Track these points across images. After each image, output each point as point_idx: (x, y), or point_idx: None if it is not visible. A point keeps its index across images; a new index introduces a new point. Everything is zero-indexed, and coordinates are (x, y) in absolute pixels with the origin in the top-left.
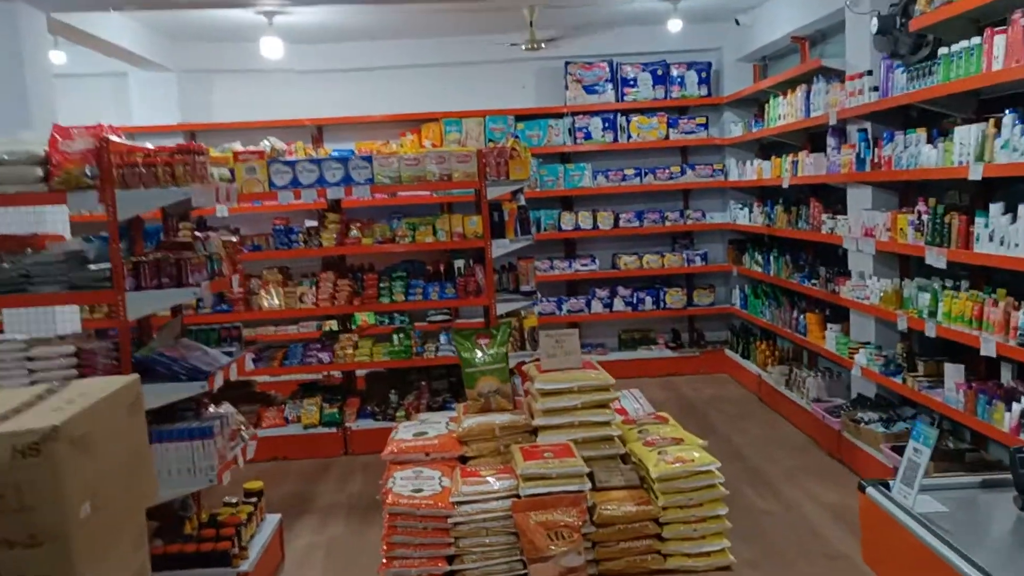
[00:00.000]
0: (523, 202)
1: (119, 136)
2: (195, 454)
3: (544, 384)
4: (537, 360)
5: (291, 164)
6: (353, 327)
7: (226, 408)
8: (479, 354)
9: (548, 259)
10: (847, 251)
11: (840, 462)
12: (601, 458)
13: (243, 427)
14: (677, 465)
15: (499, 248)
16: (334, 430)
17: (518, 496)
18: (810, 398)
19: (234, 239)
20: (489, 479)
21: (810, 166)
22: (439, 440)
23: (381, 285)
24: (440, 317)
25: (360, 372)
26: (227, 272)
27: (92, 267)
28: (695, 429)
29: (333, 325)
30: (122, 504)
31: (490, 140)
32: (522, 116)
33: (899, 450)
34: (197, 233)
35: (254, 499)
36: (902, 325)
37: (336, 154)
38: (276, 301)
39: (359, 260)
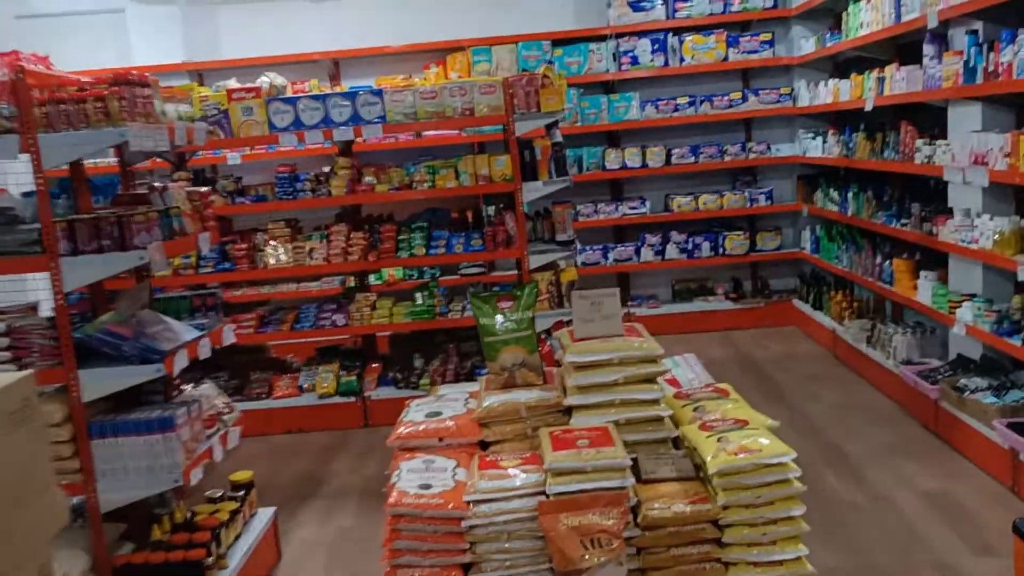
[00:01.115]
0: (559, 138)
1: (45, 67)
2: (155, 449)
3: (578, 356)
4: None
5: (292, 102)
6: (374, 283)
7: (204, 389)
8: (500, 320)
9: (592, 202)
10: (947, 184)
11: (937, 437)
12: (647, 443)
13: (225, 410)
14: (741, 456)
15: (531, 192)
16: (352, 400)
17: (545, 495)
18: (898, 359)
19: (203, 189)
20: (511, 471)
21: (901, 82)
22: (455, 422)
23: (400, 237)
24: (473, 270)
25: (382, 333)
26: (192, 229)
27: (23, 228)
28: (760, 395)
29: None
30: (10, 538)
31: (523, 70)
32: (559, 40)
33: (1017, 428)
34: (155, 184)
35: (241, 492)
36: (1023, 275)
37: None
38: (283, 257)
39: (378, 209)
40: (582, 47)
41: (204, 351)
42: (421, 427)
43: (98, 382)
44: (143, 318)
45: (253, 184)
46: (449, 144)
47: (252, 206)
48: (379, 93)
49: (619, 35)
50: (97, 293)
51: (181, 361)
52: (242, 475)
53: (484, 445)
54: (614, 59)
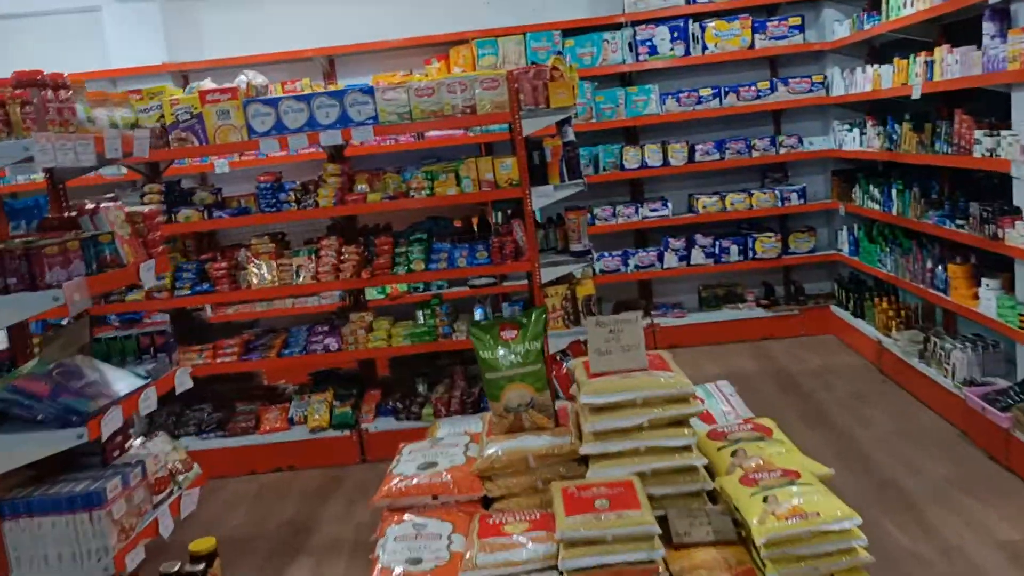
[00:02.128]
0: (572, 137)
1: None
2: (80, 531)
3: (594, 397)
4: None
5: (273, 104)
6: (376, 298)
7: (155, 444)
8: (504, 353)
9: (609, 205)
10: (1012, 180)
11: (1010, 471)
12: (678, 496)
13: (181, 469)
14: (794, 522)
15: (541, 197)
16: (347, 433)
17: (558, 572)
18: (958, 378)
19: (147, 208)
20: (517, 538)
21: (955, 66)
22: (452, 476)
23: (398, 251)
24: (483, 280)
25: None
26: (131, 258)
27: None
28: (801, 419)
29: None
30: None
31: (532, 63)
32: (571, 30)
33: None
34: (88, 205)
35: (201, 566)
36: None
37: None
38: (267, 276)
39: (375, 219)
40: (595, 37)
41: (148, 404)
42: (413, 481)
43: (3, 453)
44: (71, 367)
45: (237, 195)
46: (454, 145)
47: (231, 220)
48: (370, 91)
49: (635, 23)
50: (17, 338)
51: (113, 421)
52: (203, 544)
53: (487, 502)
54: (630, 49)
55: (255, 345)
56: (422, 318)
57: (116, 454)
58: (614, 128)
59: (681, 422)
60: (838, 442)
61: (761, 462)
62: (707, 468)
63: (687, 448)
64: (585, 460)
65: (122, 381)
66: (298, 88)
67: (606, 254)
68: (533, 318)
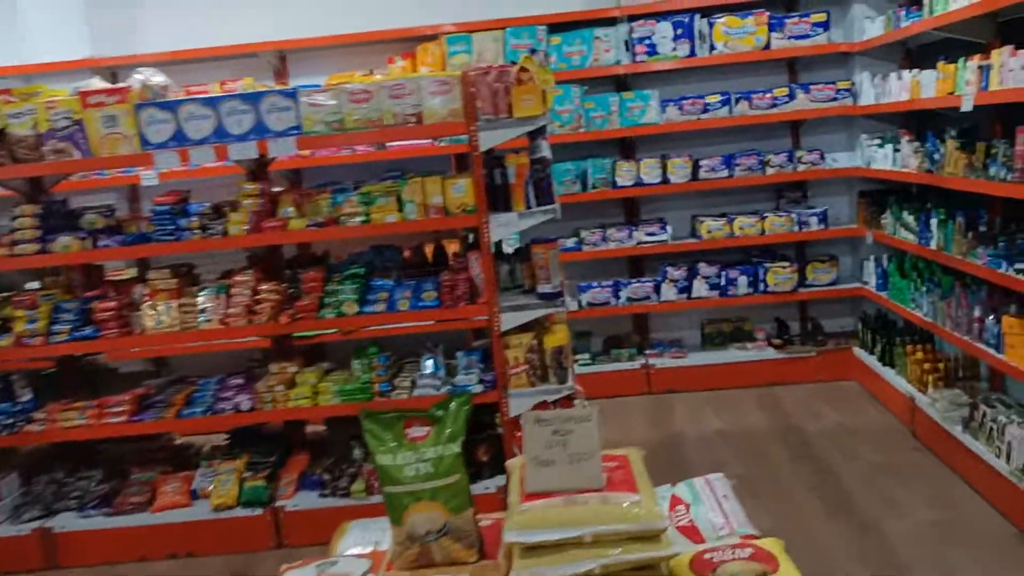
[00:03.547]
0: (545, 153)
1: None
2: None
3: (526, 533)
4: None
5: (172, 108)
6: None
7: None
8: (408, 459)
9: (600, 227)
10: None
11: None
12: None
13: None
14: None
15: (501, 227)
16: (260, 512)
17: None
18: (1016, 463)
19: None
20: None
21: (1019, 72)
22: None
23: (328, 288)
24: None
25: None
26: None
27: None
28: (816, 499)
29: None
30: None
31: (512, 62)
32: (557, 26)
33: None
34: None
35: None
36: None
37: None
38: (165, 318)
39: (318, 247)
40: (586, 34)
41: None
42: None
43: None
44: None
45: (137, 218)
46: (423, 156)
47: (116, 251)
48: (292, 94)
49: (632, 17)
50: None
51: None
52: None
53: None
54: (627, 48)
55: (152, 401)
56: (360, 368)
57: None
58: (606, 139)
59: (650, 566)
60: (863, 539)
61: None
62: None
63: None
64: None
65: None
66: (238, 88)
67: (594, 284)
68: (452, 409)
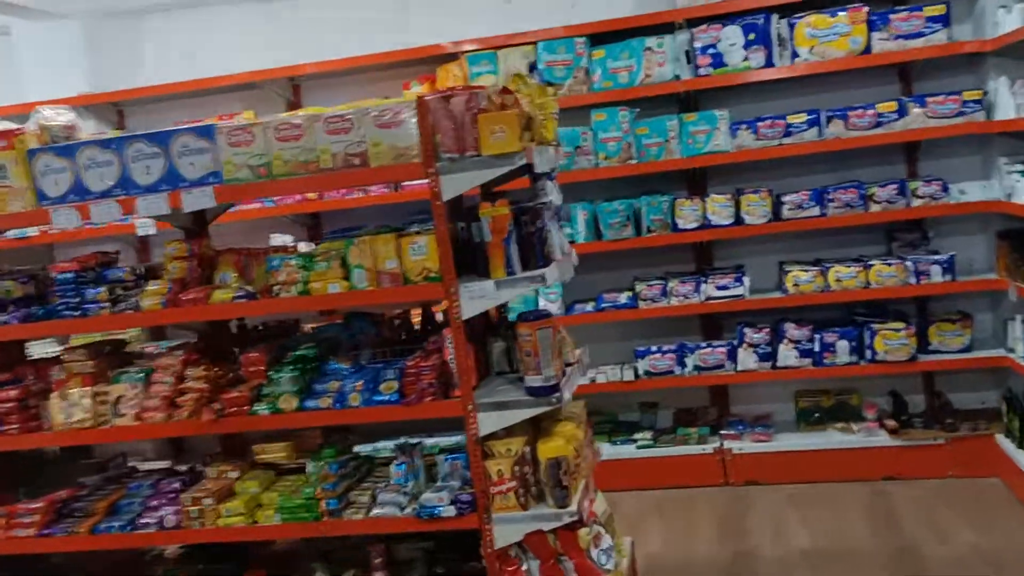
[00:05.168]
0: (552, 197)
1: None
2: None
3: None
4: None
5: (68, 154)
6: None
7: None
8: None
9: (660, 280)
10: None
11: None
12: None
13: None
14: None
15: (475, 299)
16: None
17: None
18: None
19: None
20: None
21: None
22: None
23: (271, 373)
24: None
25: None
26: None
27: None
28: None
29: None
30: None
31: (547, 83)
32: (600, 37)
33: None
34: None
35: None
36: None
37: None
38: (74, 413)
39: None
40: (635, 45)
41: None
42: None
43: None
44: None
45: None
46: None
47: (12, 329)
48: (208, 132)
49: (693, 22)
50: None
51: None
52: None
53: None
54: (687, 60)
55: (72, 508)
56: (315, 473)
57: None
58: (663, 172)
59: None
60: None
61: None
62: None
63: None
64: None
65: None
66: (237, 121)
67: (653, 348)
68: None
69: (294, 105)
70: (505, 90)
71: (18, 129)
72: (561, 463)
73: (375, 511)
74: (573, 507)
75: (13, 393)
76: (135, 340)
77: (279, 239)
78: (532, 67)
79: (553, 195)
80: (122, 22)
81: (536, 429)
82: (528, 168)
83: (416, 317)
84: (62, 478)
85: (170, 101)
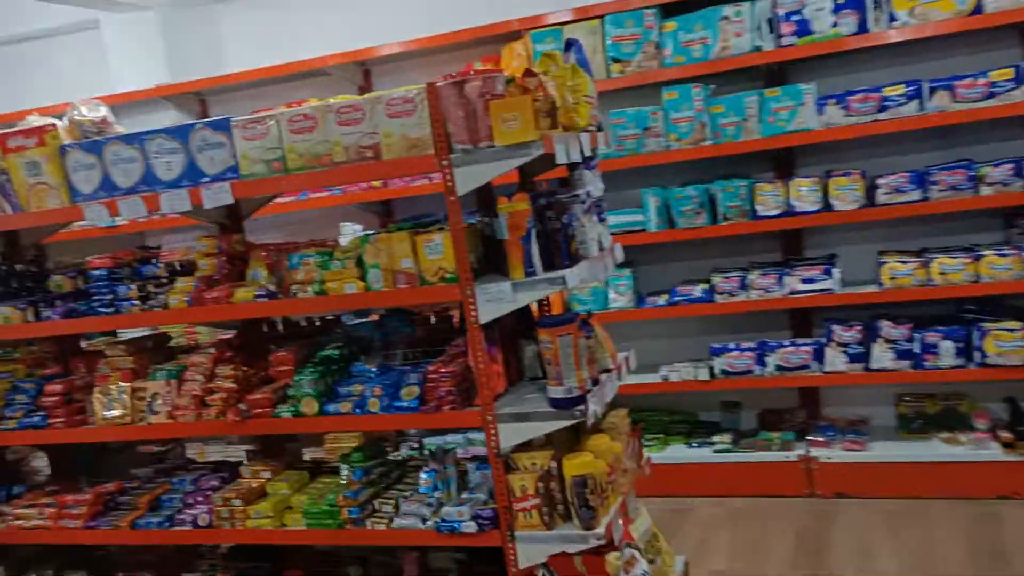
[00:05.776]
0: (590, 188)
1: None
2: None
3: None
4: None
5: (96, 150)
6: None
7: None
8: None
9: (739, 272)
10: None
11: None
12: None
13: None
14: None
15: (491, 302)
16: None
17: None
18: None
19: None
20: None
21: None
22: None
23: (296, 375)
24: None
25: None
26: None
27: None
28: None
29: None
30: None
31: (613, 60)
32: (671, 7)
33: None
34: None
35: None
36: None
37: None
38: (113, 410)
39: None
40: (709, 15)
41: None
42: None
43: None
44: None
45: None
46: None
47: (51, 325)
48: (224, 126)
49: None
50: None
51: None
52: None
53: None
54: (769, 29)
55: (119, 501)
56: (345, 478)
57: None
58: (741, 153)
59: None
60: None
61: None
62: None
63: None
64: None
65: None
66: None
67: (730, 346)
68: None
69: (364, 90)
70: (529, 72)
71: (50, 125)
72: (587, 481)
73: (397, 521)
74: (600, 529)
75: (59, 387)
76: (181, 334)
77: (349, 228)
78: (568, 46)
79: (591, 185)
80: (199, 12)
81: (564, 443)
82: (590, 157)
83: (455, 314)
84: (119, 468)
85: (248, 90)
